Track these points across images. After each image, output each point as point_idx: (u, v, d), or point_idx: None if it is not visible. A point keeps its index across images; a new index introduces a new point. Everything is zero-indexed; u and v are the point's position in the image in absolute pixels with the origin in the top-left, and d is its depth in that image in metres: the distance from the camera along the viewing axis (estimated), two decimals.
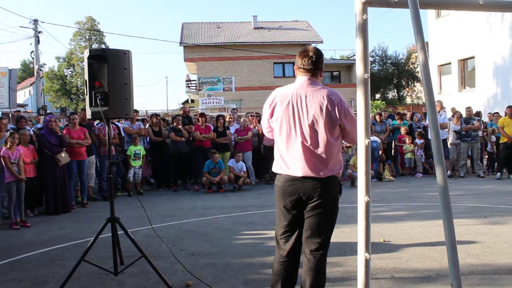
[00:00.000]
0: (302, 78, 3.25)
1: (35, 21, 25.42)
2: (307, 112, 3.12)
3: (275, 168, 3.33)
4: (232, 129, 11.88)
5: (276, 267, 3.35)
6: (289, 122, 3.17)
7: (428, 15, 22.85)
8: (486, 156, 13.50)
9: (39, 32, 25.58)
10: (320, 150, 3.12)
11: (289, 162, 3.20)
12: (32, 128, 10.05)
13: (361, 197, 2.30)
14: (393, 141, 13.02)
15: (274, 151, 3.35)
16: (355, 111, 2.72)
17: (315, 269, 3.23)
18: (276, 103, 3.23)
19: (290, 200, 3.22)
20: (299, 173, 3.15)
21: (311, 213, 3.20)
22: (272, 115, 3.27)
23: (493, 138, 12.69)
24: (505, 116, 11.99)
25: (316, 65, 3.23)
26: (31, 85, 48.57)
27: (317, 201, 3.16)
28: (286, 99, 3.19)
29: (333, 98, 3.14)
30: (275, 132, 3.31)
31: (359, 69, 2.24)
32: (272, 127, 3.33)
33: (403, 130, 12.79)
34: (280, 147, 3.26)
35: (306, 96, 3.15)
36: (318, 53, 3.27)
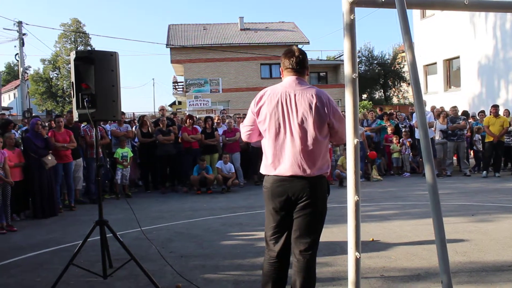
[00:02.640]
0: (290, 78, 3.27)
1: (19, 23, 25.21)
2: (297, 110, 3.13)
3: (263, 169, 3.33)
4: (220, 131, 11.86)
5: (266, 268, 3.35)
6: (278, 121, 3.17)
7: (413, 16, 23.05)
8: (472, 155, 13.63)
9: (24, 34, 25.37)
10: (309, 148, 3.13)
11: (277, 161, 3.20)
12: (18, 131, 9.94)
13: (351, 196, 2.31)
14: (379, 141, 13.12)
15: (263, 152, 3.35)
16: (343, 111, 2.74)
17: (305, 270, 3.23)
18: (265, 102, 3.23)
19: (279, 201, 3.21)
20: (287, 173, 3.15)
21: (300, 214, 3.20)
22: (258, 114, 3.26)
23: (477, 137, 12.83)
24: (490, 115, 12.14)
25: (302, 64, 3.28)
26: (16, 88, 48.16)
27: (306, 201, 3.16)
28: (275, 98, 3.19)
29: (322, 96, 3.17)
30: (262, 133, 3.30)
31: (347, 69, 2.26)
32: (256, 127, 3.32)
33: (389, 130, 12.86)
34: (268, 147, 3.25)
35: (295, 95, 3.16)
36: (303, 53, 3.34)
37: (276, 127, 3.18)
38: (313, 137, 3.13)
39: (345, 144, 2.43)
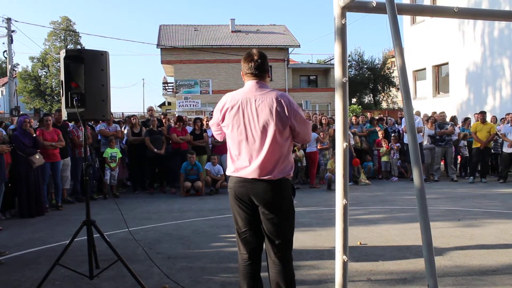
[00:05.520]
0: (250, 83, 3.29)
1: (8, 19, 24.96)
2: (258, 116, 3.16)
3: (228, 170, 3.38)
4: (209, 132, 11.84)
5: (241, 269, 3.39)
6: (239, 127, 3.20)
7: (403, 22, 23.23)
8: (459, 160, 13.75)
9: (13, 31, 25.13)
10: (272, 152, 3.15)
11: (240, 165, 3.24)
12: (10, 127, 9.84)
13: (339, 200, 2.33)
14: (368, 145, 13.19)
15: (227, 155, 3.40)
16: (333, 115, 2.75)
17: (283, 272, 3.26)
18: (227, 108, 3.26)
19: (243, 201, 3.26)
20: (249, 176, 3.19)
21: (266, 218, 3.23)
22: (223, 120, 3.30)
23: (462, 143, 12.95)
24: (478, 121, 12.28)
25: (261, 68, 3.29)
26: (3, 85, 47.67)
27: (269, 205, 3.19)
28: (236, 104, 3.22)
29: (282, 100, 3.16)
30: (227, 136, 3.36)
31: (337, 73, 2.28)
32: (223, 131, 3.39)
33: (380, 134, 12.92)
34: (232, 150, 3.30)
35: (255, 100, 3.18)
36: (263, 56, 3.33)
37: (239, 133, 3.21)
38: (275, 141, 3.14)
39: (334, 148, 2.45)
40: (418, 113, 14.63)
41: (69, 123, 9.71)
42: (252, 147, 3.18)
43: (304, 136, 3.29)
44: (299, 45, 36.88)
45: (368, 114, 15.14)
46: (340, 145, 2.29)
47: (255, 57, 3.27)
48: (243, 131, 3.19)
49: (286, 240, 3.27)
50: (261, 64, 3.27)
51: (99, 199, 10.12)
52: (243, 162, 3.22)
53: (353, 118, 13.66)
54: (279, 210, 3.21)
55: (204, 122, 12.25)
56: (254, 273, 3.36)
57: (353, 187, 11.31)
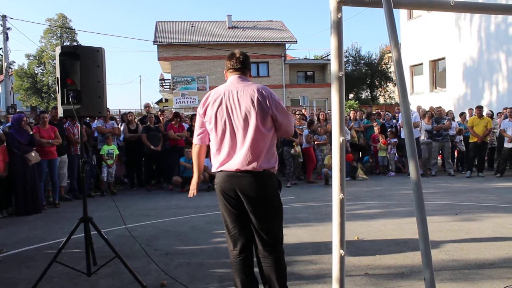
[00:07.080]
0: (232, 77, 3.39)
1: (4, 17, 24.84)
2: (240, 106, 3.22)
3: (213, 168, 3.42)
4: None
5: (233, 265, 3.44)
6: (223, 118, 3.26)
7: (400, 17, 23.21)
8: (456, 155, 13.77)
9: (8, 28, 25.01)
10: (254, 141, 3.19)
11: (225, 158, 3.28)
12: (1, 127, 9.80)
13: (336, 194, 2.32)
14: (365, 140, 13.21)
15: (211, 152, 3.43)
16: (329, 110, 2.75)
17: (273, 265, 3.31)
18: (209, 103, 3.33)
19: (229, 196, 3.30)
20: (233, 167, 3.23)
21: (252, 213, 3.27)
22: (204, 115, 3.36)
23: (458, 138, 12.96)
24: (475, 116, 12.30)
25: (244, 64, 3.41)
26: None
27: (255, 200, 3.23)
28: (218, 97, 3.30)
29: (263, 91, 3.26)
30: (209, 132, 3.39)
31: (333, 67, 2.27)
32: (206, 129, 3.42)
33: (376, 130, 12.95)
34: (215, 145, 3.34)
35: (237, 92, 3.26)
36: (245, 54, 3.47)
37: (222, 124, 3.27)
38: (257, 130, 3.20)
39: (331, 143, 2.45)
40: (419, 108, 14.62)
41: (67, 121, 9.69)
42: (235, 137, 3.24)
43: (286, 128, 3.34)
44: (296, 41, 36.74)
45: (368, 109, 15.16)
46: (336, 139, 2.29)
47: (238, 55, 3.42)
48: (227, 121, 3.25)
49: (274, 234, 3.32)
50: (243, 61, 3.40)
51: (96, 196, 10.11)
52: (226, 155, 3.27)
53: (352, 113, 13.68)
54: (265, 205, 3.25)
55: None
56: (247, 268, 3.39)
57: (351, 182, 11.33)
